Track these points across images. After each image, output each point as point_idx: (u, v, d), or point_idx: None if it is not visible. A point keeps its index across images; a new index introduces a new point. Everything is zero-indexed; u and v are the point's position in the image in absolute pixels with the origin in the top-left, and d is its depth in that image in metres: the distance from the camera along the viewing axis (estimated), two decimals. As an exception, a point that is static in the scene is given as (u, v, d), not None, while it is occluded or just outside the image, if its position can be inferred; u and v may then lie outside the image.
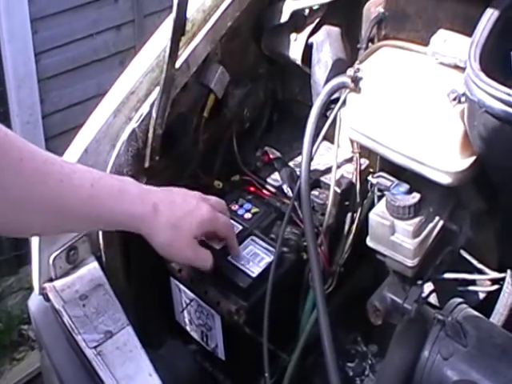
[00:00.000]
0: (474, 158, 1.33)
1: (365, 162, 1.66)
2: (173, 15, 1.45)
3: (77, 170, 1.35)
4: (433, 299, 1.60)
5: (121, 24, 3.98)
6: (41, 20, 3.62)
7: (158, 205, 1.39)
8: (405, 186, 1.44)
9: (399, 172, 1.47)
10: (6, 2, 3.42)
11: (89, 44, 3.87)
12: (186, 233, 1.42)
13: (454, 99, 1.31)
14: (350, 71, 1.44)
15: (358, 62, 1.52)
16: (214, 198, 1.51)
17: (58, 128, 3.82)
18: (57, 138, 3.80)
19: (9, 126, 3.42)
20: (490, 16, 1.30)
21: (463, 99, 1.29)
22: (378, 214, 1.45)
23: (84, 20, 3.80)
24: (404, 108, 1.39)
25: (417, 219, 1.43)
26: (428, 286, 1.54)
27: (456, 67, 1.38)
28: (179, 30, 1.48)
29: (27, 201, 1.27)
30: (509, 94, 1.16)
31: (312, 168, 1.53)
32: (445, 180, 1.36)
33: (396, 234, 1.43)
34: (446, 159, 1.34)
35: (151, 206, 1.38)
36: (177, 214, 1.41)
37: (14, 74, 3.58)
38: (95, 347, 1.40)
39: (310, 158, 1.48)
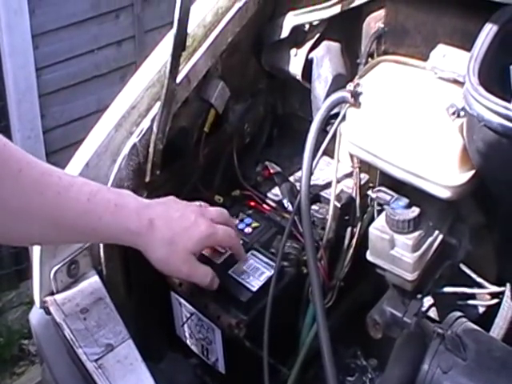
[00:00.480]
0: (472, 171, 1.34)
1: (365, 176, 1.66)
2: (173, 31, 1.46)
3: (75, 182, 1.35)
4: (432, 313, 1.60)
5: (122, 40, 4.00)
6: (42, 35, 3.64)
7: (154, 220, 1.38)
8: (404, 201, 1.44)
9: (399, 186, 1.47)
10: (8, 17, 3.44)
11: (90, 59, 3.89)
12: (183, 249, 1.40)
13: (453, 113, 1.31)
14: (350, 86, 1.44)
15: (357, 76, 1.53)
16: (214, 210, 1.50)
17: (58, 143, 3.83)
18: (58, 153, 3.81)
19: (10, 140, 3.40)
20: (488, 31, 1.31)
21: (462, 113, 1.30)
22: (378, 228, 1.45)
23: (85, 35, 3.82)
24: (403, 122, 1.40)
25: (416, 233, 1.43)
26: (427, 300, 1.54)
27: (455, 82, 1.39)
28: (180, 46, 1.48)
29: (25, 211, 1.28)
30: (507, 108, 1.16)
31: (312, 183, 1.53)
32: (444, 194, 1.37)
33: (396, 248, 1.44)
34: (445, 173, 1.34)
35: (147, 220, 1.38)
36: (173, 230, 1.40)
37: (15, 88, 3.59)
38: (96, 360, 1.39)
39: (310, 173, 1.49)
